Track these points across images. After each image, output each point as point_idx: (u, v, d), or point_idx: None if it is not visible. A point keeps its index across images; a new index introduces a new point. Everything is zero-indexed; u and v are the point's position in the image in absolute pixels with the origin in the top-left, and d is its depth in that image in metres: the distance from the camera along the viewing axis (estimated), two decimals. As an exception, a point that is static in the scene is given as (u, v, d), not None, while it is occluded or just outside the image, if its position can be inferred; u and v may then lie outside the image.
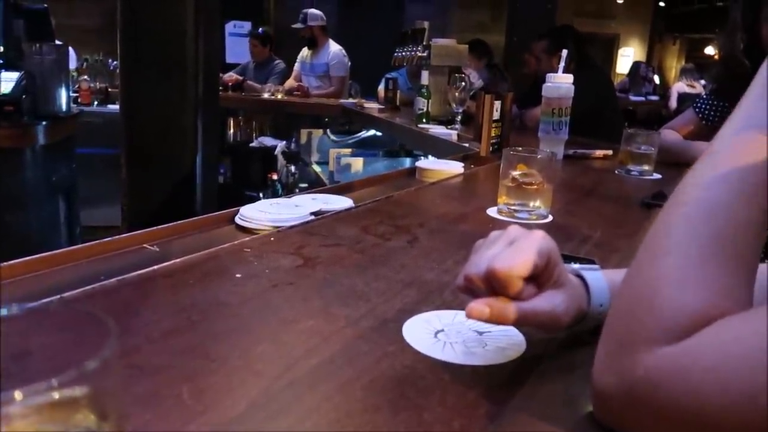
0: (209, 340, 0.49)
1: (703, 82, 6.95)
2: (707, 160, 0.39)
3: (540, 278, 0.45)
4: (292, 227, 0.84)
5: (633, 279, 0.38)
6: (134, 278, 0.61)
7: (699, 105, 1.67)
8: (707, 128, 1.63)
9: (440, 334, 0.52)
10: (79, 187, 2.95)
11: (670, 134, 1.67)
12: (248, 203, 0.94)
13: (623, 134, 1.53)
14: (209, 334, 0.50)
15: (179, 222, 0.84)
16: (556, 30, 3.00)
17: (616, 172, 1.48)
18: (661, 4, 9.53)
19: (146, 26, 1.81)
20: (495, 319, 0.43)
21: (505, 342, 0.51)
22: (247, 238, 0.77)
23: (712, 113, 1.62)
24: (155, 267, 0.64)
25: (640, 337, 0.34)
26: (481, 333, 0.53)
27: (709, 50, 10.72)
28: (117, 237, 0.77)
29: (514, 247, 0.44)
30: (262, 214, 0.89)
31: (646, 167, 1.46)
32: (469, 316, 0.43)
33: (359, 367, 0.46)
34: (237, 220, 0.90)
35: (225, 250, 0.72)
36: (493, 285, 0.43)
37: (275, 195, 3.37)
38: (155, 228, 0.80)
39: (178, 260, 0.67)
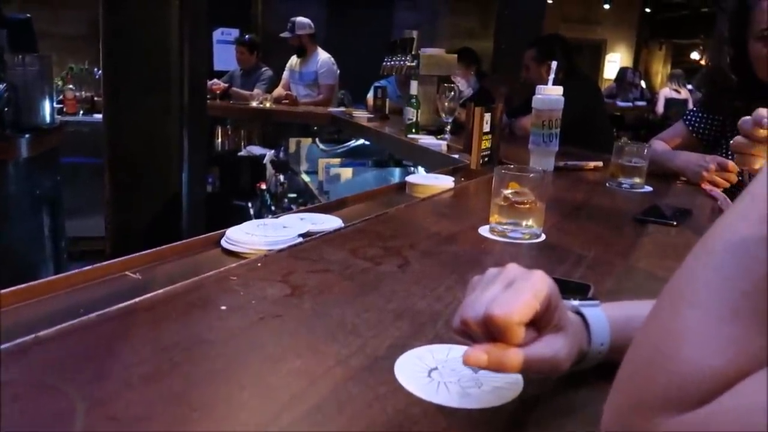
0: (191, 386, 0.47)
1: (690, 87, 7.02)
2: (742, 204, 0.35)
3: (540, 322, 0.43)
4: (280, 251, 0.82)
5: (651, 331, 0.35)
6: (114, 313, 0.59)
7: (689, 117, 1.67)
8: (697, 140, 1.63)
9: (434, 372, 0.50)
10: (64, 197, 2.90)
11: (658, 145, 1.67)
12: (237, 213, 0.92)
13: (614, 147, 1.52)
14: (192, 378, 0.48)
15: (163, 247, 0.82)
16: (545, 39, 3.00)
17: (607, 185, 1.47)
18: (647, 10, 9.61)
19: (130, 38, 1.78)
20: (494, 367, 0.41)
21: (501, 381, 0.49)
22: (234, 264, 0.75)
23: (701, 126, 1.62)
24: (136, 300, 0.61)
25: (657, 399, 0.32)
26: (476, 371, 0.51)
27: (695, 55, 10.83)
28: (98, 265, 0.74)
29: (513, 290, 0.42)
30: (249, 236, 0.87)
31: (637, 180, 1.45)
32: (466, 363, 0.41)
33: (349, 414, 0.44)
34: (223, 243, 0.87)
35: (210, 279, 0.69)
36: (491, 330, 0.41)
37: (263, 205, 3.35)
38: (137, 254, 0.78)
39: (160, 291, 0.64)
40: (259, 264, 0.76)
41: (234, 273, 0.71)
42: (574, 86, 2.59)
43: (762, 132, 0.94)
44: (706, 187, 1.41)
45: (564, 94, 1.54)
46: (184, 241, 0.85)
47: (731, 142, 1.02)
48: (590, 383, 0.49)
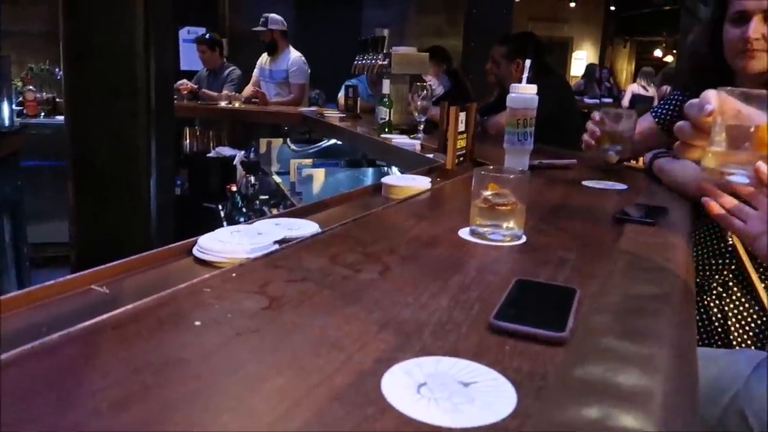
0: (166, 411, 0.44)
1: (665, 87, 7.15)
2: None
3: None
4: (255, 259, 0.78)
5: None
6: (79, 332, 0.55)
7: (656, 110, 1.69)
8: (664, 131, 1.64)
9: (423, 388, 0.48)
10: (26, 202, 2.81)
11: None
12: (207, 216, 0.88)
13: (600, 112, 1.56)
14: (165, 402, 0.45)
15: (131, 258, 0.78)
16: (517, 37, 3.00)
17: (583, 184, 1.47)
18: (612, 8, 9.77)
19: (92, 41, 1.71)
20: None
21: (494, 395, 0.47)
22: (207, 275, 0.71)
23: (669, 117, 1.64)
24: (104, 317, 0.58)
25: None
26: (467, 384, 0.49)
27: (658, 53, 11.06)
28: (61, 279, 0.70)
29: None
30: (223, 244, 0.83)
31: (619, 147, 1.46)
32: None
33: (337, 437, 0.41)
34: (195, 252, 0.84)
35: (182, 292, 0.66)
36: None
37: (234, 207, 3.29)
38: (104, 267, 0.74)
39: (129, 306, 0.60)
40: (234, 274, 0.72)
41: (208, 284, 0.68)
42: (547, 84, 2.60)
43: (707, 120, 0.84)
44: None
45: (537, 92, 1.54)
46: (153, 251, 0.82)
47: (674, 126, 0.93)
48: (586, 394, 0.48)
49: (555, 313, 0.62)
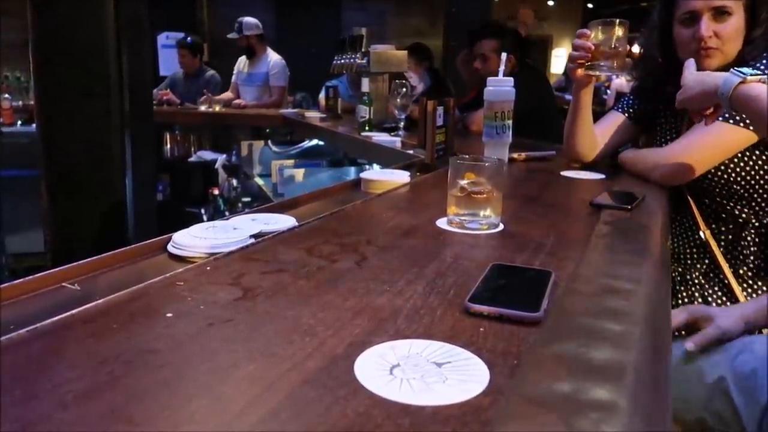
0: (133, 400, 0.43)
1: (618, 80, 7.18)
2: None
3: None
4: (230, 253, 0.78)
5: None
6: (48, 327, 0.54)
7: (621, 105, 1.68)
8: (633, 123, 1.64)
9: (396, 369, 0.48)
10: (4, 212, 2.76)
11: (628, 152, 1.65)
12: (190, 220, 0.87)
13: (591, 24, 1.44)
14: (134, 391, 0.44)
15: (104, 255, 0.77)
16: (508, 31, 2.95)
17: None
18: (590, 5, 9.86)
19: (62, 44, 1.68)
20: None
21: (466, 374, 0.47)
22: (181, 269, 0.71)
23: (635, 109, 1.64)
24: (73, 311, 0.57)
25: None
26: (440, 365, 0.49)
27: (635, 49, 11.19)
28: (32, 277, 0.69)
29: None
30: (197, 240, 0.83)
31: (615, 63, 1.40)
32: None
33: (307, 419, 0.41)
34: (169, 248, 0.83)
35: (155, 286, 0.65)
36: None
37: (217, 210, 3.26)
38: (75, 264, 0.73)
39: (100, 301, 0.59)
40: (208, 267, 0.72)
41: (181, 278, 0.67)
42: (527, 77, 2.61)
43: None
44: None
45: (517, 86, 1.54)
46: (127, 247, 0.80)
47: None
48: (559, 371, 0.48)
49: (530, 294, 0.62)
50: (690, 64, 1.24)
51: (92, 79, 1.71)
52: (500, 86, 1.55)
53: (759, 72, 1.04)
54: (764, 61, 1.28)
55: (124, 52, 1.73)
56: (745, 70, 1.04)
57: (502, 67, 1.60)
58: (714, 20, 1.35)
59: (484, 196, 0.91)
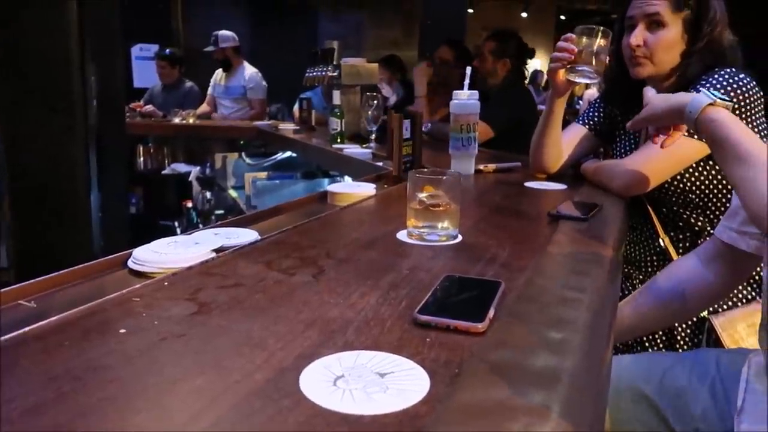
0: (78, 415, 0.44)
1: (589, 91, 7.33)
2: None
3: None
4: (190, 268, 0.79)
5: None
6: (1, 344, 0.55)
7: (583, 116, 1.72)
8: (593, 134, 1.68)
9: (340, 381, 0.49)
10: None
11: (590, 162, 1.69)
12: (163, 233, 0.88)
13: (575, 30, 1.46)
14: (80, 407, 0.45)
15: (62, 271, 0.77)
16: (511, 35, 2.90)
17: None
18: (562, 17, 10.05)
19: (24, 55, 1.67)
20: None
21: (408, 383, 0.49)
22: (138, 285, 0.71)
23: (597, 120, 1.68)
24: (25, 329, 0.57)
25: None
26: (383, 375, 0.50)
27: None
28: (-14, 295, 0.69)
29: None
30: (158, 255, 0.83)
31: (595, 69, 1.41)
32: None
33: (248, 429, 0.42)
34: (130, 263, 0.83)
35: (111, 302, 0.66)
36: None
37: (190, 223, 3.25)
38: (34, 281, 0.73)
39: (53, 318, 0.60)
40: (165, 283, 0.73)
41: (137, 294, 0.68)
42: (523, 90, 2.64)
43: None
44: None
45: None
46: (86, 264, 0.81)
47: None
48: (497, 378, 0.50)
49: (477, 305, 0.64)
50: (649, 88, 1.25)
51: (54, 92, 1.69)
52: (464, 99, 1.58)
53: (727, 98, 1.05)
54: (716, 77, 1.32)
55: (88, 65, 1.72)
56: (714, 92, 1.05)
57: (466, 81, 1.64)
58: (648, 29, 1.39)
59: (442, 208, 0.94)
